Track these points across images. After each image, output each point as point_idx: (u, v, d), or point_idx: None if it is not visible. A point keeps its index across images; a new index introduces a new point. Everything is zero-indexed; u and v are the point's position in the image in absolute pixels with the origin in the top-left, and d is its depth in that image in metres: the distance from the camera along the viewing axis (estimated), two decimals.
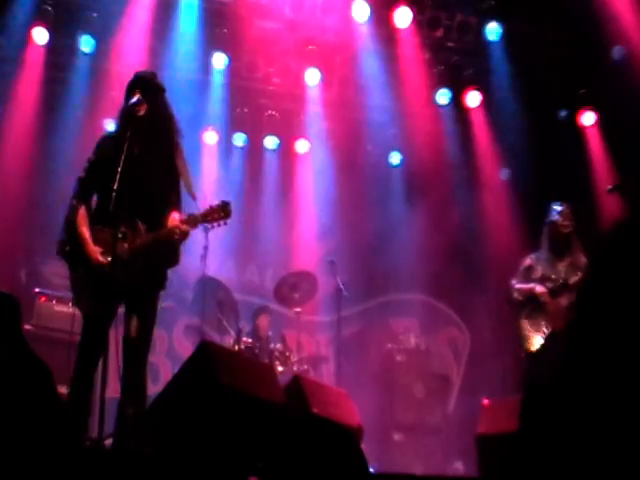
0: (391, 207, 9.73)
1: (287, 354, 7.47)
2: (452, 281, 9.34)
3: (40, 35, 7.91)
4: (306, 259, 9.01)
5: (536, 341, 6.12)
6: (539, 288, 6.18)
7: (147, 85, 4.66)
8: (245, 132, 9.54)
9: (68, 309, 7.05)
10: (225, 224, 4.63)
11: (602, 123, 8.61)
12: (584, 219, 6.67)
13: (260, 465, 3.54)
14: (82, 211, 4.62)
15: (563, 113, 8.87)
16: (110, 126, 8.05)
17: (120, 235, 4.45)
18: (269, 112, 9.30)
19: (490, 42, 8.39)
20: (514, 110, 8.68)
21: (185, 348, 8.50)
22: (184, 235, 4.54)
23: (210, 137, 9.25)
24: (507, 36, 8.31)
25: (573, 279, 6.12)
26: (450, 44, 8.61)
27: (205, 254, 7.60)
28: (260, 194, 9.71)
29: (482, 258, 8.80)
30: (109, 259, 4.38)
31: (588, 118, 8.71)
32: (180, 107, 7.84)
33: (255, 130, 9.52)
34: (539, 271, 6.29)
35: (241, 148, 9.64)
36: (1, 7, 7.73)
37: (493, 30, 8.26)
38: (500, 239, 8.46)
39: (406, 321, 9.60)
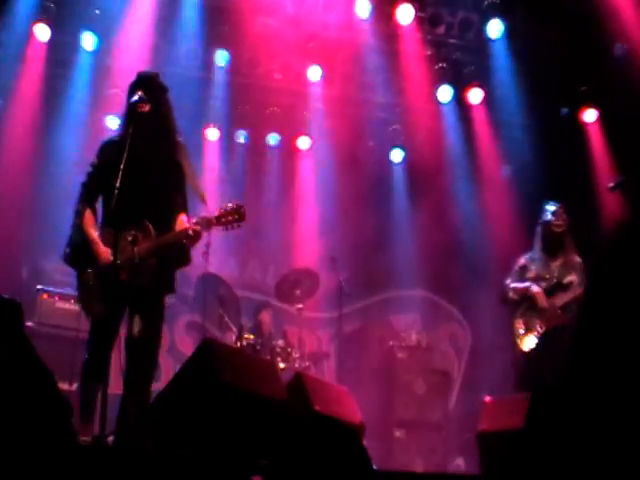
0: (393, 204, 9.75)
1: (289, 350, 7.47)
2: (453, 277, 9.35)
3: (42, 31, 7.91)
4: (307, 256, 9.01)
5: (530, 340, 6.15)
6: (534, 288, 6.22)
7: (150, 84, 4.66)
8: (247, 129, 9.55)
9: (70, 306, 7.06)
10: (239, 227, 4.61)
11: (603, 120, 8.61)
12: (585, 216, 6.68)
13: (263, 463, 3.55)
14: (88, 214, 4.64)
15: (564, 110, 8.87)
16: (112, 123, 8.10)
17: (130, 238, 4.46)
18: (271, 109, 9.29)
19: (492, 39, 8.39)
20: (516, 107, 8.68)
21: (187, 345, 8.52)
22: (197, 237, 4.54)
23: (212, 134, 9.25)
24: (509, 33, 8.31)
25: (567, 278, 6.17)
26: (452, 41, 8.61)
27: (207, 251, 7.61)
28: (262, 191, 9.71)
29: (483, 254, 8.81)
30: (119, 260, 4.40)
31: (589, 115, 8.72)
32: (182, 104, 7.88)
33: (257, 127, 9.52)
34: (533, 271, 6.33)
35: (243, 145, 9.64)
36: (3, 3, 7.74)
37: (495, 27, 8.26)
38: (501, 236, 8.47)
39: (407, 318, 9.61)
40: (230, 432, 3.90)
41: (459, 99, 8.96)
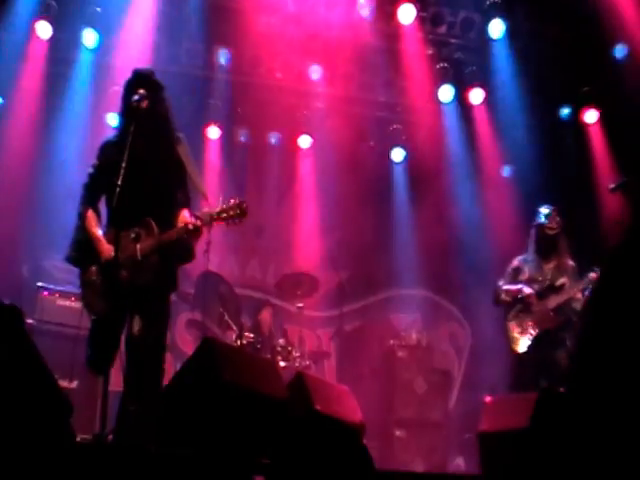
0: (393, 203, 9.74)
1: (289, 349, 7.47)
2: (454, 277, 9.35)
3: (43, 29, 7.91)
4: (308, 254, 9.01)
5: (523, 342, 6.17)
6: (527, 290, 6.24)
7: (148, 82, 4.67)
8: (248, 127, 9.54)
9: (70, 304, 7.06)
10: (240, 222, 4.60)
11: (605, 121, 8.62)
12: (586, 217, 6.69)
13: (265, 462, 3.55)
14: (90, 214, 4.65)
15: (566, 111, 8.87)
16: (113, 121, 8.09)
17: (133, 235, 4.47)
18: (272, 107, 9.29)
19: (493, 39, 8.39)
20: (517, 108, 8.69)
21: (187, 343, 8.52)
22: (197, 232, 4.54)
23: (213, 132, 9.24)
24: (510, 33, 8.31)
25: (559, 281, 6.20)
26: (453, 41, 8.61)
27: (208, 249, 7.62)
28: (262, 189, 9.71)
29: (484, 254, 8.80)
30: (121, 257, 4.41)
31: (591, 116, 8.72)
32: (183, 102, 7.95)
33: (258, 125, 9.52)
34: (526, 273, 6.35)
35: (244, 143, 9.63)
36: (4, 1, 7.73)
37: (496, 27, 8.26)
38: (502, 235, 8.46)
39: (408, 317, 9.61)
40: (231, 431, 3.90)
41: (460, 99, 8.96)
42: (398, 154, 9.85)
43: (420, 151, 9.36)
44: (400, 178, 9.85)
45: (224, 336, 7.61)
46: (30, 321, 6.73)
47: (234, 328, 7.56)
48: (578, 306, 6.10)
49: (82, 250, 4.61)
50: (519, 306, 6.26)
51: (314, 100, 9.25)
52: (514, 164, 9.30)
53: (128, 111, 4.57)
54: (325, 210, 9.46)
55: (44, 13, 7.85)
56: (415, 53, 8.56)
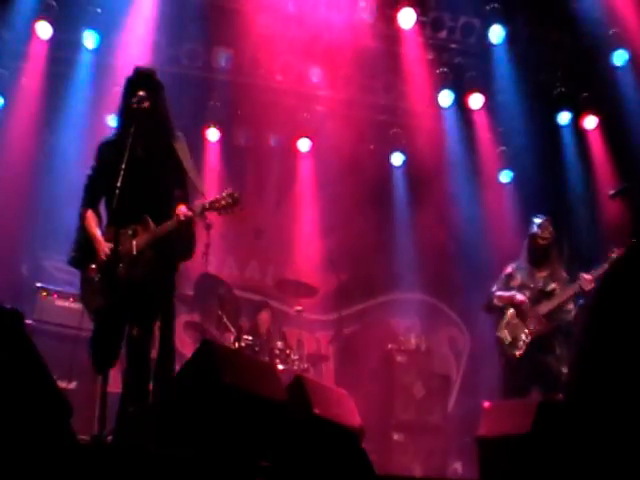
0: (393, 207, 9.75)
1: (287, 352, 7.46)
2: (453, 281, 9.36)
3: (44, 30, 7.90)
4: (307, 257, 9.01)
5: (515, 349, 6.20)
6: (519, 296, 6.28)
7: (148, 82, 4.68)
8: (247, 129, 9.54)
9: (69, 304, 7.06)
10: (232, 213, 4.60)
11: (604, 127, 8.63)
12: (585, 223, 6.72)
13: (264, 465, 3.55)
14: (89, 214, 4.68)
15: (565, 116, 8.87)
16: (113, 121, 8.09)
17: (130, 232, 4.48)
18: (272, 110, 9.28)
19: (493, 44, 8.40)
20: (516, 113, 8.70)
21: (185, 344, 8.48)
22: (189, 222, 4.52)
23: (212, 134, 9.22)
24: (510, 39, 8.32)
25: (549, 286, 6.25)
26: (453, 46, 8.62)
27: (207, 251, 7.62)
28: (262, 191, 9.71)
29: (483, 259, 8.81)
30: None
31: (590, 122, 8.73)
32: (182, 103, 7.94)
33: (257, 128, 9.51)
34: (518, 279, 6.40)
35: (243, 145, 9.63)
36: (5, 1, 7.73)
37: (496, 33, 8.27)
38: (502, 240, 8.47)
39: (407, 321, 9.60)
40: (230, 433, 3.90)
41: (460, 104, 8.96)
42: (398, 158, 9.86)
43: (420, 155, 9.36)
44: (400, 181, 9.86)
45: (222, 338, 7.61)
46: (29, 321, 6.73)
47: (232, 330, 7.55)
48: (568, 313, 6.19)
49: (82, 251, 4.63)
50: (511, 312, 6.30)
51: (314, 102, 9.25)
52: (514, 169, 9.32)
53: (128, 112, 4.57)
54: (324, 213, 9.46)
55: (44, 13, 7.83)
56: (415, 57, 8.57)
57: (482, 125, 9.11)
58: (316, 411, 4.49)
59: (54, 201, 7.93)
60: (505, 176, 9.41)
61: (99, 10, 7.96)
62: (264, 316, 8.14)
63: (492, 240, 8.86)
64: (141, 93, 4.53)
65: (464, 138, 9.22)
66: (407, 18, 8.12)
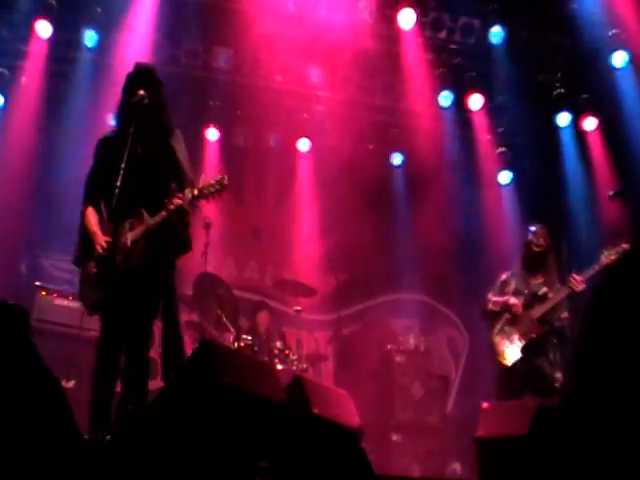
0: (392, 207, 9.75)
1: (286, 352, 7.46)
2: (452, 282, 9.36)
3: (43, 28, 7.90)
4: (306, 257, 9.01)
5: (509, 353, 6.27)
6: (513, 300, 6.34)
7: (149, 80, 4.69)
8: (247, 129, 9.53)
9: (68, 303, 7.07)
10: (220, 196, 4.62)
11: (604, 128, 8.63)
12: (585, 224, 6.73)
13: (263, 465, 3.55)
14: (89, 211, 4.69)
15: (565, 117, 8.87)
16: (113, 121, 8.09)
17: (127, 225, 4.50)
18: (271, 110, 9.28)
19: (493, 45, 8.40)
20: (516, 114, 8.71)
21: (184, 344, 8.50)
22: (178, 208, 4.50)
23: (212, 134, 9.23)
24: (510, 39, 8.33)
25: (542, 291, 6.30)
26: (453, 46, 8.62)
27: (206, 250, 7.64)
28: (261, 191, 9.71)
29: (482, 259, 8.82)
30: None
31: (590, 123, 8.72)
32: (182, 103, 7.95)
33: (257, 128, 9.52)
34: (512, 285, 6.47)
35: (243, 145, 9.63)
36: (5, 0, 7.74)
37: (496, 33, 8.27)
38: (501, 241, 8.49)
39: (406, 321, 9.62)
40: (229, 433, 3.90)
41: (459, 104, 8.97)
42: (397, 158, 9.86)
43: (419, 155, 9.36)
44: (399, 182, 9.86)
45: (222, 338, 7.61)
46: None
47: (232, 330, 7.55)
48: (561, 317, 6.24)
49: (83, 248, 4.64)
50: (504, 318, 6.36)
51: (314, 103, 9.25)
52: (513, 170, 9.32)
53: (128, 109, 4.58)
54: (324, 213, 9.46)
55: (44, 12, 7.83)
56: (415, 58, 8.57)
57: (482, 126, 9.12)
58: (315, 411, 4.49)
59: (54, 200, 7.94)
60: (504, 177, 9.41)
61: (99, 9, 7.97)
62: (263, 316, 8.14)
63: (491, 240, 8.87)
64: (141, 92, 4.53)
65: (464, 139, 9.23)
66: (407, 18, 8.12)
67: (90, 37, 8.07)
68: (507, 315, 6.34)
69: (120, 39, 8.08)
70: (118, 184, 4.21)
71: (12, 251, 8.07)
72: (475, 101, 8.83)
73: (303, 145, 9.56)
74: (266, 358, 7.36)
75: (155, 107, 4.64)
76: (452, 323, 9.92)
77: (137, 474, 3.28)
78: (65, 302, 7.14)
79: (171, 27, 8.22)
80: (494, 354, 6.40)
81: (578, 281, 5.97)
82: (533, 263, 6.41)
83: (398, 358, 8.33)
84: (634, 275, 1.84)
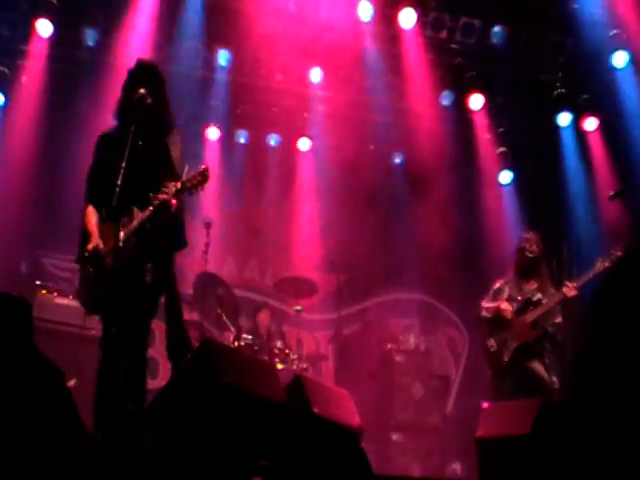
0: (392, 207, 9.74)
1: (287, 352, 7.46)
2: (452, 282, 9.34)
3: (44, 27, 7.89)
4: (307, 257, 9.00)
5: (502, 357, 6.35)
6: (504, 305, 6.44)
7: (150, 77, 4.68)
8: (247, 129, 9.53)
9: (68, 302, 7.07)
10: (202, 189, 4.61)
11: (604, 129, 8.63)
12: (585, 224, 6.73)
13: (263, 464, 3.55)
14: (89, 210, 4.68)
15: (565, 117, 8.86)
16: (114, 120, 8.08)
17: (120, 224, 4.48)
18: (272, 109, 9.29)
19: (494, 45, 8.39)
20: (517, 113, 8.70)
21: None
22: (163, 203, 4.49)
23: (212, 133, 9.23)
24: (510, 39, 8.32)
25: (536, 296, 6.39)
26: (454, 46, 8.61)
27: (206, 250, 7.63)
28: (262, 191, 9.71)
29: (483, 259, 8.82)
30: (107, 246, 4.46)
31: (590, 123, 8.72)
32: (183, 102, 7.94)
33: (257, 127, 9.51)
34: (506, 293, 6.56)
35: (243, 145, 9.62)
36: None
37: (497, 33, 8.27)
38: (501, 241, 8.48)
39: (406, 321, 9.62)
40: (229, 433, 3.90)
41: (460, 104, 8.96)
42: (398, 158, 9.85)
43: (420, 155, 9.35)
44: (399, 182, 9.85)
45: (222, 337, 7.61)
46: None
47: (232, 329, 7.55)
48: (554, 322, 6.34)
49: (82, 248, 4.64)
50: (498, 323, 6.45)
51: (314, 103, 9.24)
52: (514, 170, 9.32)
53: (129, 108, 4.57)
54: (324, 213, 9.45)
55: (45, 11, 7.82)
56: (415, 57, 8.56)
57: (482, 126, 9.12)
58: (315, 411, 4.49)
59: (54, 199, 7.93)
60: (505, 177, 9.41)
61: (99, 8, 7.97)
62: (264, 316, 8.15)
63: (492, 240, 8.87)
64: (142, 91, 4.52)
65: (464, 139, 9.22)
66: (407, 18, 8.12)
67: (90, 36, 8.06)
68: (500, 320, 6.41)
69: (121, 38, 8.06)
70: (119, 183, 4.21)
71: (12, 250, 8.07)
72: (476, 101, 8.82)
73: (303, 145, 9.55)
74: (266, 358, 7.36)
75: (157, 106, 4.63)
76: (452, 323, 9.92)
77: (137, 474, 3.27)
78: (65, 301, 7.14)
79: (172, 26, 8.22)
80: (488, 356, 6.50)
81: (571, 288, 6.10)
82: (526, 269, 6.50)
83: (398, 358, 8.33)
84: (635, 275, 1.84)
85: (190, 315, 8.04)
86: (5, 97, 8.20)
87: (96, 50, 8.22)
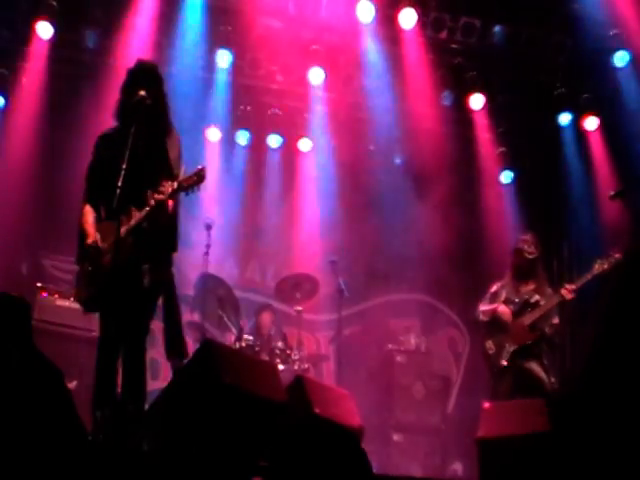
0: (393, 207, 9.72)
1: (288, 352, 7.46)
2: (453, 282, 9.34)
3: (44, 29, 7.90)
4: (308, 257, 8.99)
5: (500, 359, 6.36)
6: (501, 308, 6.47)
7: (150, 78, 4.68)
8: (248, 130, 9.53)
9: (69, 304, 7.05)
10: (199, 189, 4.61)
11: (605, 128, 8.62)
12: (586, 224, 6.73)
13: (263, 464, 3.55)
14: (86, 209, 4.70)
15: (566, 117, 8.86)
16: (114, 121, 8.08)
17: (118, 224, 4.49)
18: (272, 110, 9.29)
19: (494, 45, 8.39)
20: (517, 113, 8.70)
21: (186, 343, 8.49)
22: (159, 203, 4.48)
23: (213, 134, 9.22)
24: (511, 39, 8.32)
25: (534, 298, 6.43)
26: (454, 46, 8.61)
27: (207, 251, 7.64)
28: (262, 192, 9.70)
29: (483, 259, 8.82)
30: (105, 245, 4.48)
31: (591, 123, 8.71)
32: (183, 104, 7.93)
33: (258, 128, 9.50)
34: (503, 296, 6.59)
35: (244, 146, 9.62)
36: (5, 0, 7.73)
37: (497, 33, 8.27)
38: (502, 241, 8.48)
39: (407, 321, 9.61)
40: (230, 433, 3.90)
41: (460, 104, 8.96)
42: (398, 158, 9.85)
43: (420, 155, 9.35)
44: (400, 182, 9.84)
45: (223, 338, 7.62)
46: None
47: (233, 330, 7.56)
48: (552, 324, 6.37)
49: (80, 248, 4.65)
50: (496, 326, 6.48)
51: (314, 103, 9.25)
52: (514, 169, 9.31)
53: (129, 108, 4.57)
54: (325, 214, 9.44)
55: (45, 13, 7.82)
56: (416, 58, 8.56)
57: (482, 126, 9.12)
58: (316, 411, 4.49)
59: (54, 200, 7.94)
60: (506, 177, 9.40)
61: (100, 10, 7.96)
62: (265, 317, 8.14)
63: (492, 240, 8.87)
64: (142, 92, 4.52)
65: (464, 138, 9.22)
66: (408, 18, 8.11)
67: (91, 38, 8.06)
68: (498, 323, 6.43)
69: (121, 40, 8.07)
70: (119, 184, 4.21)
71: (13, 251, 8.07)
72: (476, 101, 8.82)
73: (304, 146, 9.55)
74: (267, 358, 7.36)
75: (156, 107, 4.63)
76: (453, 323, 9.91)
77: (137, 474, 3.28)
78: (66, 303, 7.13)
79: (172, 27, 8.22)
80: (486, 358, 6.53)
81: (569, 290, 6.14)
82: (524, 270, 6.53)
83: (399, 358, 8.34)
84: None
85: (191, 316, 8.06)
86: (5, 99, 8.20)
87: (96, 52, 8.22)
